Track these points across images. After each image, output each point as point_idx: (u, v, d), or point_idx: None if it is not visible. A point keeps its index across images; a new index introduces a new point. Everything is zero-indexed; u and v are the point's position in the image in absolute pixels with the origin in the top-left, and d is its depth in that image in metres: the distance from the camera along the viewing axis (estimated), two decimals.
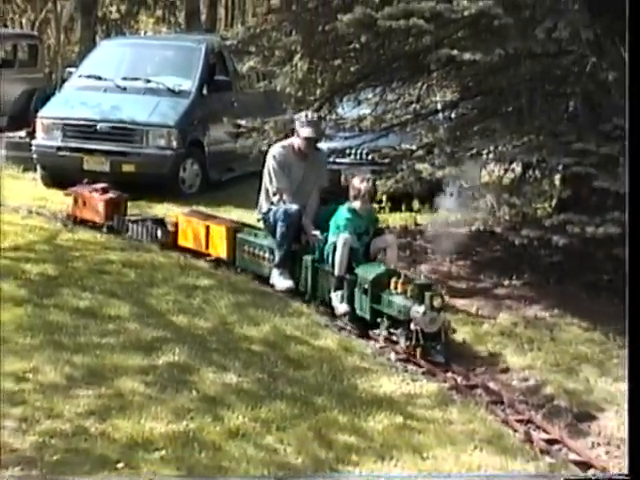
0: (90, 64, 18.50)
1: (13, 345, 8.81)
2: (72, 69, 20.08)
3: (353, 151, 15.07)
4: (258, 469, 6.96)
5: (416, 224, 14.17)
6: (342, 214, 10.68)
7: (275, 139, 12.54)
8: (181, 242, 12.79)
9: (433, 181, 12.88)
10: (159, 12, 33.93)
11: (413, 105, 13.15)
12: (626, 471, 5.22)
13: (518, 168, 11.81)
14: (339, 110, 13.34)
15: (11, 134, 19.43)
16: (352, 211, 10.65)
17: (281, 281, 11.01)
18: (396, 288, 9.66)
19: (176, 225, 12.99)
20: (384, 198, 13.67)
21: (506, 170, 11.86)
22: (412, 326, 9.30)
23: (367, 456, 7.29)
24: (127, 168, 16.15)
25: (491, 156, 11.53)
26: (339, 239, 10.37)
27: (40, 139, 16.90)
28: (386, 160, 13.89)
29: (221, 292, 10.97)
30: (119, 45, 20.22)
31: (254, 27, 12.19)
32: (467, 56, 10.08)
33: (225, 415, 7.77)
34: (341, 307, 10.26)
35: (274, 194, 11.27)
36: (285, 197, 11.15)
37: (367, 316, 9.99)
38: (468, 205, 11.86)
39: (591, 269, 10.99)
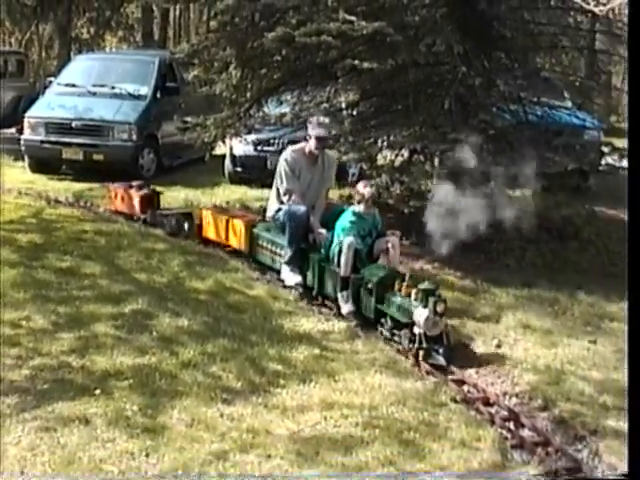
0: (67, 74, 18.22)
1: (9, 299, 8.72)
2: (52, 78, 19.88)
3: (276, 141, 14.95)
4: (205, 390, 6.97)
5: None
6: (347, 217, 9.40)
7: (215, 133, 12.46)
8: (205, 234, 11.58)
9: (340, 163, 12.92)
10: (121, 33, 33.65)
11: (323, 104, 13.04)
12: (626, 471, 4.70)
13: (406, 153, 11.78)
14: (265, 109, 13.23)
15: (4, 131, 19.11)
16: (357, 214, 9.36)
17: (291, 277, 9.69)
18: (400, 290, 8.44)
19: (201, 218, 11.79)
20: None
21: (397, 155, 11.82)
22: (415, 329, 8.03)
23: (292, 380, 7.31)
24: (97, 157, 15.98)
25: (385, 144, 11.49)
26: (344, 242, 9.06)
27: (27, 135, 16.65)
28: None
29: (173, 254, 10.86)
30: (90, 59, 19.88)
31: (197, 44, 12.04)
32: (366, 65, 10.05)
33: (179, 350, 7.75)
34: (346, 307, 8.98)
35: (284, 194, 9.88)
36: (294, 197, 9.79)
37: (371, 316, 8.68)
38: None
39: (463, 231, 11.03)
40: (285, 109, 13.45)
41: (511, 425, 6.82)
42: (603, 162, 11.40)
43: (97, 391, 6.79)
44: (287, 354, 7.87)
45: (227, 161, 16.42)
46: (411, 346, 8.01)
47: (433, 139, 10.48)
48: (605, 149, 11.57)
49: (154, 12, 32.83)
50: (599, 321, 9.30)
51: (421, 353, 7.91)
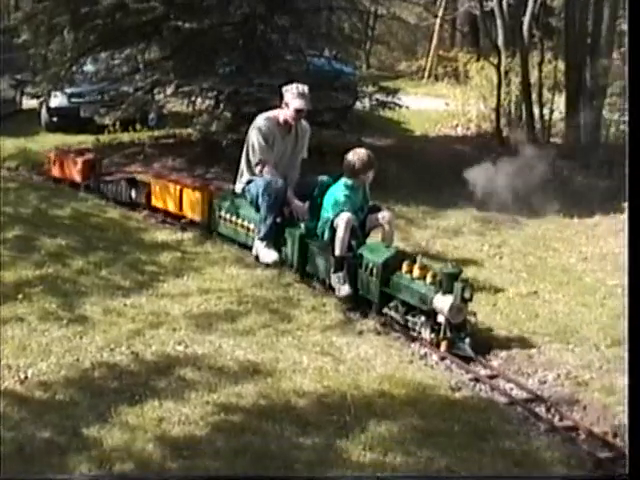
0: None
1: None
2: None
3: (92, 93, 15.17)
4: (103, 289, 7.54)
5: (139, 139, 14.47)
6: (340, 190, 7.69)
7: (48, 87, 12.66)
8: (155, 203, 9.97)
9: (144, 109, 13.45)
10: None
11: (131, 62, 13.43)
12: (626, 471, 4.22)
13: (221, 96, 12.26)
14: (84, 67, 13.50)
15: None
16: (349, 187, 7.68)
17: (266, 254, 8.10)
18: (410, 272, 6.86)
19: (149, 186, 10.14)
20: (117, 123, 14.10)
21: (217, 98, 12.36)
22: (439, 318, 6.54)
23: (168, 276, 7.97)
24: None
25: (203, 89, 12.02)
26: (341, 218, 7.38)
27: None
28: (114, 99, 14.11)
29: (26, 190, 11.10)
30: None
31: (29, 12, 12.19)
32: (187, 25, 10.65)
33: (69, 262, 8.20)
34: (343, 289, 7.34)
35: (256, 165, 8.22)
36: (267, 168, 8.15)
37: (376, 299, 7.09)
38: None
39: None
40: (100, 66, 13.80)
41: None
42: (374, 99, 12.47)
43: (19, 296, 7.16)
44: (156, 258, 8.49)
45: (43, 112, 16.40)
46: (432, 336, 6.60)
47: (242, 83, 11.14)
48: (372, 89, 12.65)
49: None
50: None
51: (444, 343, 6.52)
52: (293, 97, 8.13)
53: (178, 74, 11.89)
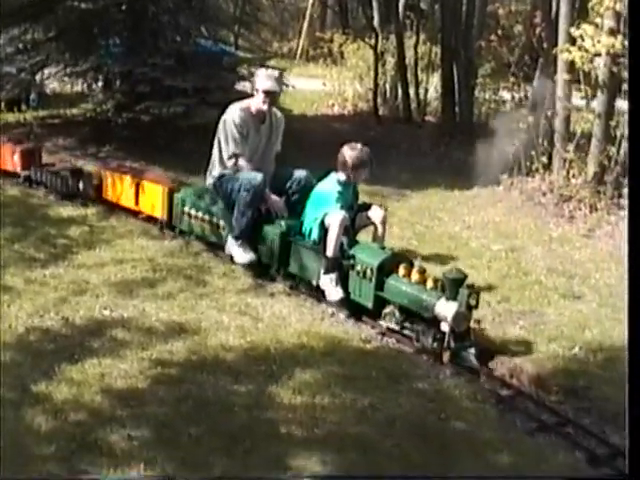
0: None
1: None
2: None
3: None
4: (20, 261, 7.76)
5: (25, 119, 14.45)
6: (332, 187, 7.29)
7: None
8: (107, 196, 9.47)
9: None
10: None
11: (14, 42, 13.36)
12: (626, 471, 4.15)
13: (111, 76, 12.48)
14: None
15: None
16: (342, 184, 7.29)
17: (242, 254, 7.69)
18: (408, 276, 6.43)
19: (100, 178, 9.65)
20: (2, 104, 14.09)
21: (107, 78, 12.51)
22: (443, 326, 6.07)
23: (80, 248, 8.24)
24: None
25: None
26: (334, 217, 6.95)
27: None
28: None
29: None
30: None
31: None
32: (83, 6, 10.83)
33: None
34: (335, 292, 6.93)
35: (229, 158, 7.75)
36: (241, 162, 7.73)
37: (369, 304, 6.66)
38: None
39: (159, 137, 12.03)
40: None
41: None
42: None
43: None
44: (65, 232, 8.72)
45: None
46: (435, 345, 6.17)
47: (135, 63, 11.38)
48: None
49: None
50: None
51: (446, 354, 6.09)
52: (262, 80, 7.76)
53: (68, 54, 11.96)
